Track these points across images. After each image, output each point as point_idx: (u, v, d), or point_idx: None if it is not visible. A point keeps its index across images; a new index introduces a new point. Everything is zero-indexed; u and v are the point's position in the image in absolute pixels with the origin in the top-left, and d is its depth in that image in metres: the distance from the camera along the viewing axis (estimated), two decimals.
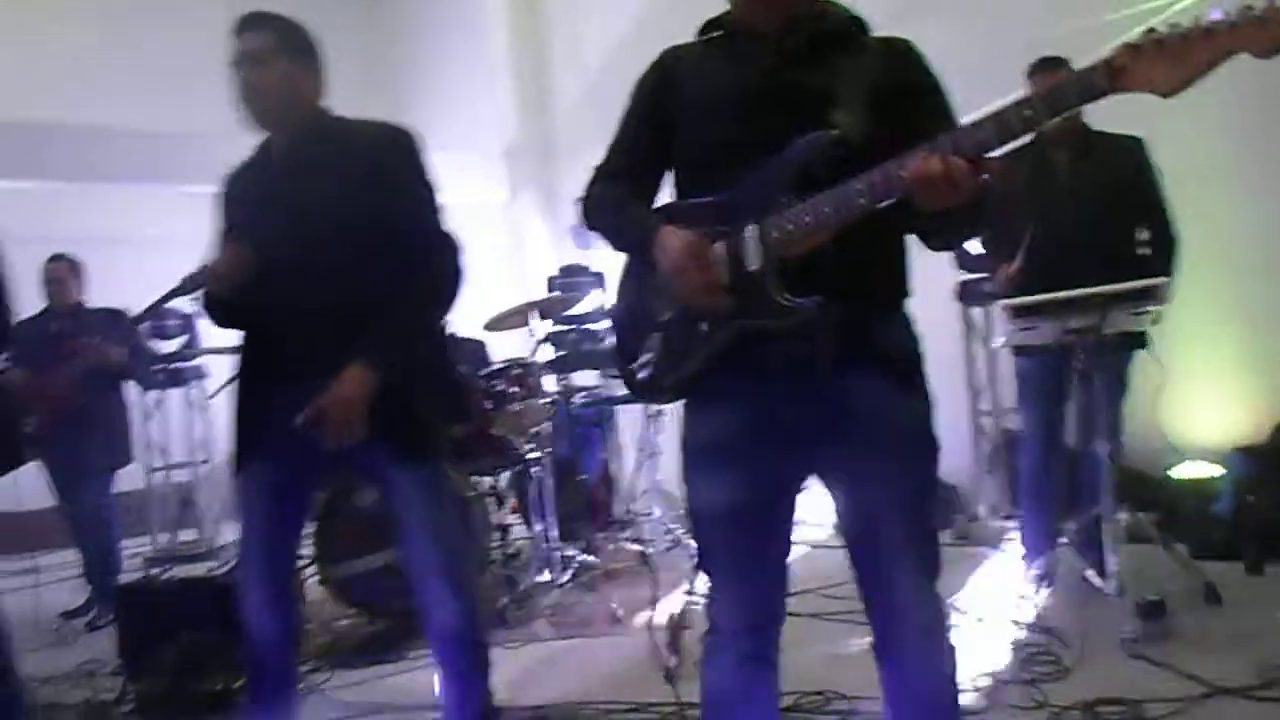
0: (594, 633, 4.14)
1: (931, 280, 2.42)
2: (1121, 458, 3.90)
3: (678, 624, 3.47)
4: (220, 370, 6.58)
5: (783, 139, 1.73)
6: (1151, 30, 1.43)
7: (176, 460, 7.59)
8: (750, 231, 1.75)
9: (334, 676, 3.75)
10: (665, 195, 1.99)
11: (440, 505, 2.63)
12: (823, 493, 1.89)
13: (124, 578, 5.35)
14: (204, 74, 8.82)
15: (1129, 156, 3.89)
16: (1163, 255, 3.84)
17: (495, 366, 4.92)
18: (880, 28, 1.91)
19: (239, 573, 2.68)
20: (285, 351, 2.48)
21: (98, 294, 5.50)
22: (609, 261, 1.98)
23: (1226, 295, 4.77)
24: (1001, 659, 3.26)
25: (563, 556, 4.88)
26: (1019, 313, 3.59)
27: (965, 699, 2.69)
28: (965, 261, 5.25)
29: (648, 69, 1.98)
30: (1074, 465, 4.05)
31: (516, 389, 4.75)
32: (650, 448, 5.71)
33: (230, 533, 7.22)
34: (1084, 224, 3.78)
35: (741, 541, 1.86)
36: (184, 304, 4.17)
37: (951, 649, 1.84)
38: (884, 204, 1.64)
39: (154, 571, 6.43)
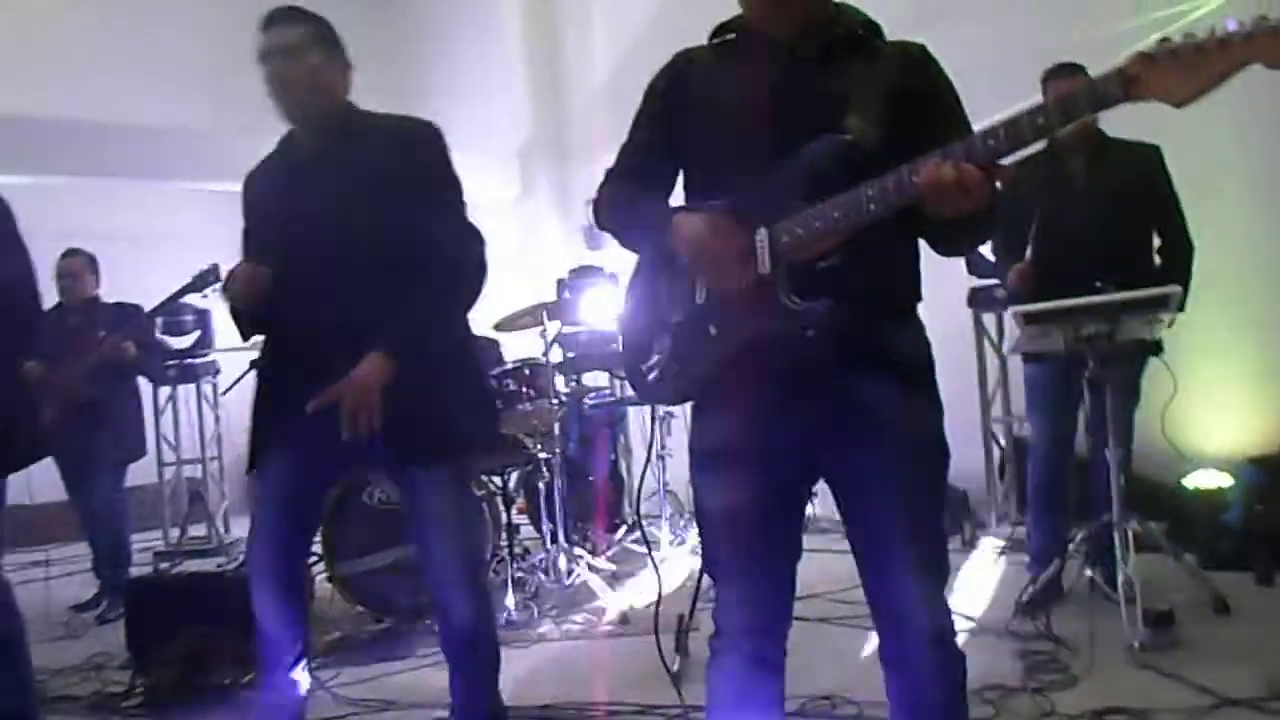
0: (600, 634, 4.15)
1: (944, 286, 2.42)
2: (1131, 466, 3.89)
3: (684, 626, 3.47)
4: (232, 366, 6.60)
5: (795, 143, 1.73)
6: (1166, 40, 1.43)
7: (188, 456, 7.61)
8: (761, 235, 1.75)
9: (341, 674, 3.76)
10: (676, 198, 2.00)
11: (460, 504, 2.65)
12: (832, 496, 1.88)
13: (134, 572, 5.38)
14: (218, 71, 8.87)
15: (1144, 164, 3.88)
16: (1176, 263, 3.83)
17: (506, 366, 4.93)
18: (896, 32, 1.91)
19: (251, 569, 2.69)
20: (309, 348, 2.47)
21: (111, 289, 5.53)
22: (621, 262, 2.01)
23: (1238, 304, 4.75)
24: (1009, 667, 3.25)
25: (570, 557, 4.88)
26: (1030, 319, 3.59)
27: (972, 707, 2.69)
28: (977, 267, 5.24)
29: (660, 71, 1.98)
30: (1084, 473, 4.04)
31: (527, 389, 4.76)
32: (660, 449, 5.72)
33: (240, 528, 7.27)
34: (1098, 230, 3.77)
35: (748, 545, 1.85)
36: (197, 299, 4.21)
37: (959, 656, 1.83)
38: (895, 210, 1.64)
39: (164, 566, 6.46)
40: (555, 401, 4.83)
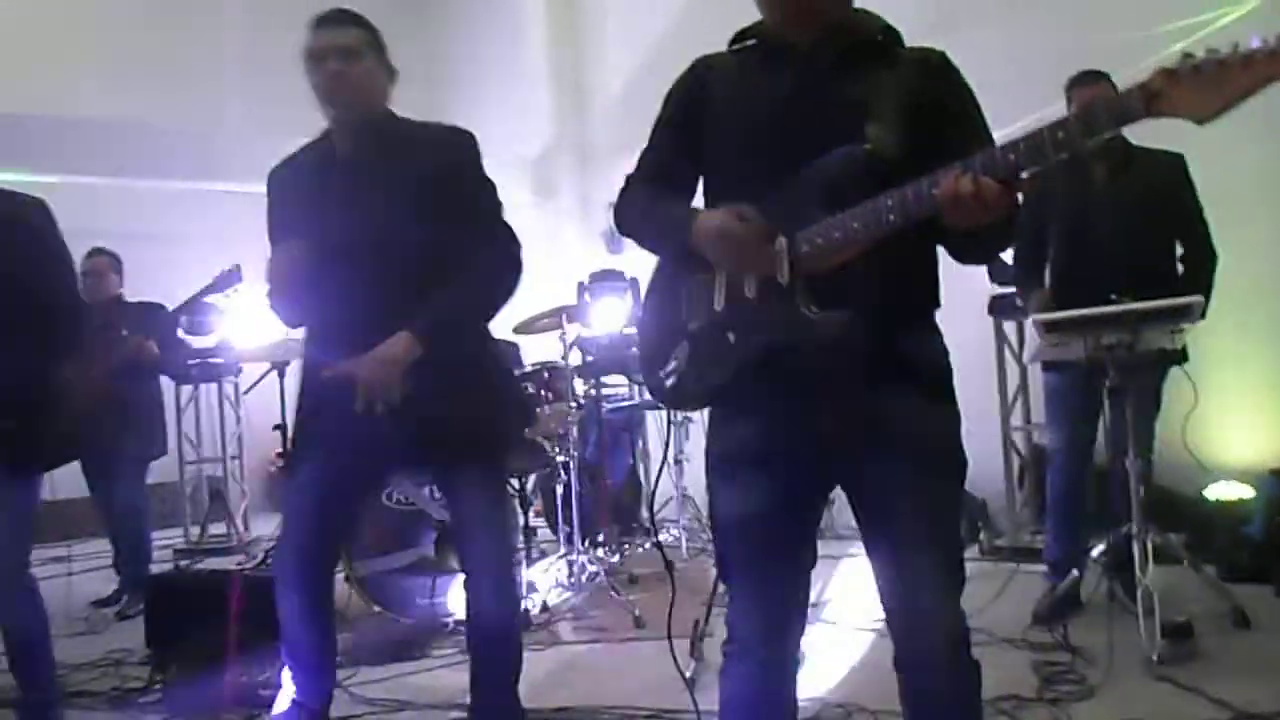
0: (616, 638, 4.15)
1: (964, 293, 2.41)
2: (1151, 477, 3.87)
3: (699, 631, 3.48)
4: (253, 366, 6.65)
5: (814, 152, 1.73)
6: (1189, 55, 1.42)
7: (209, 454, 7.66)
8: (779, 244, 1.76)
9: (357, 673, 3.78)
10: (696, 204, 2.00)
11: (500, 506, 2.67)
12: (848, 503, 1.88)
13: (154, 569, 5.42)
14: (243, 72, 8.95)
15: (1168, 172, 3.86)
16: (1198, 272, 3.81)
17: (525, 369, 4.94)
18: (915, 37, 1.91)
19: (277, 571, 2.69)
20: (349, 349, 2.47)
21: (134, 289, 5.58)
22: (641, 267, 2.01)
23: (1261, 315, 4.72)
24: (1025, 677, 3.23)
25: (587, 560, 4.89)
26: (1051, 328, 3.57)
27: (988, 717, 2.68)
28: (999, 274, 5.22)
29: (679, 78, 1.98)
30: (1103, 483, 4.02)
31: (545, 392, 4.78)
32: (677, 454, 5.72)
33: (260, 527, 7.32)
34: (1120, 238, 3.75)
35: (763, 551, 1.85)
36: (220, 299, 4.24)
37: (974, 665, 1.83)
38: (914, 221, 1.64)
39: (184, 563, 6.51)
40: (574, 405, 4.85)
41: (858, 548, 1.89)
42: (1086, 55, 3.99)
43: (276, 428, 4.90)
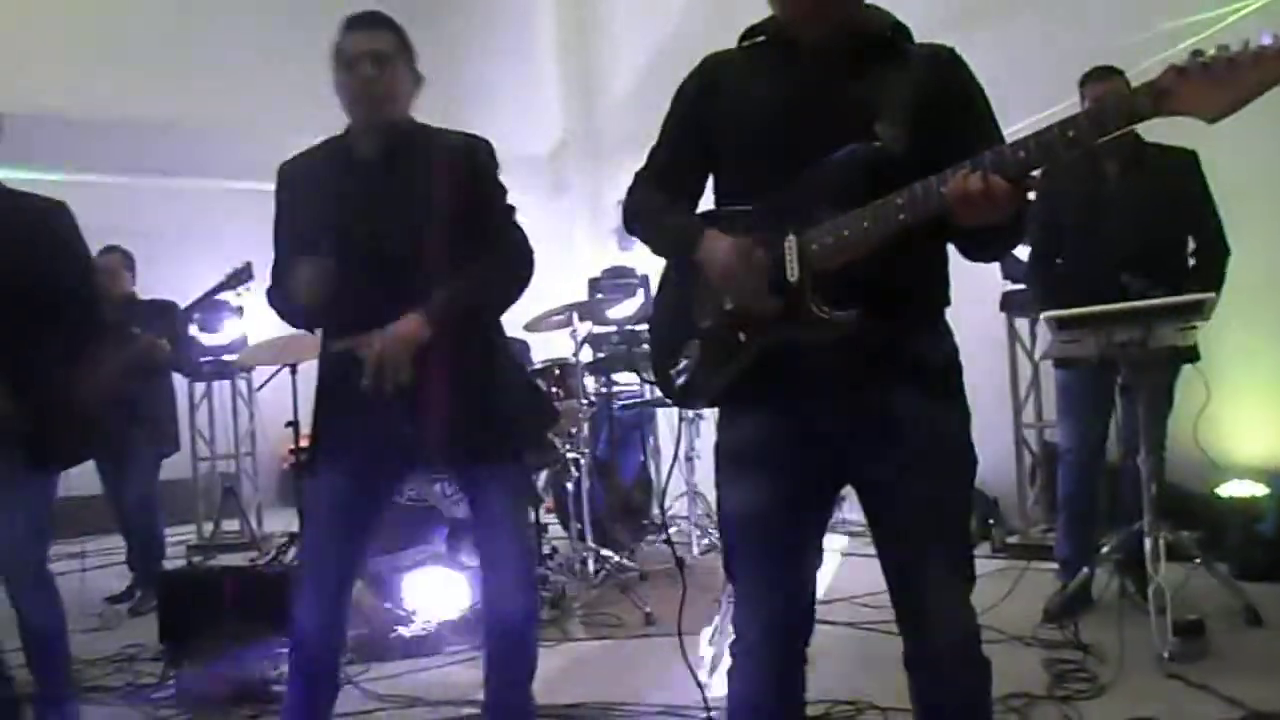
0: (626, 634, 4.16)
1: (976, 290, 2.41)
2: (1164, 474, 3.86)
3: (711, 629, 3.48)
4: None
5: (824, 149, 1.73)
6: (1199, 53, 1.42)
7: (222, 451, 7.70)
8: (789, 243, 1.76)
9: (369, 669, 3.79)
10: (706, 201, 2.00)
11: (521, 505, 2.66)
12: (858, 501, 1.89)
13: (167, 565, 5.45)
14: (255, 70, 8.96)
15: (1181, 169, 3.85)
16: (1208, 266, 3.79)
17: (536, 366, 4.95)
18: (936, 33, 1.90)
19: (300, 572, 2.68)
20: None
21: (146, 287, 5.61)
22: (652, 264, 2.01)
23: (1274, 313, 4.70)
24: (1035, 675, 3.23)
25: (598, 557, 4.90)
26: (1063, 325, 3.56)
27: (998, 714, 2.68)
28: (1011, 271, 5.21)
29: (689, 75, 1.98)
30: (1115, 480, 4.01)
31: (556, 389, 4.78)
32: (688, 451, 5.72)
33: (272, 523, 7.35)
34: (1132, 235, 3.74)
35: (769, 550, 1.85)
36: (232, 297, 4.26)
37: (985, 662, 1.83)
38: (925, 220, 1.64)
39: (196, 560, 6.54)
40: (585, 402, 4.85)
41: (868, 545, 1.89)
42: (1099, 52, 3.97)
43: (289, 424, 4.91)
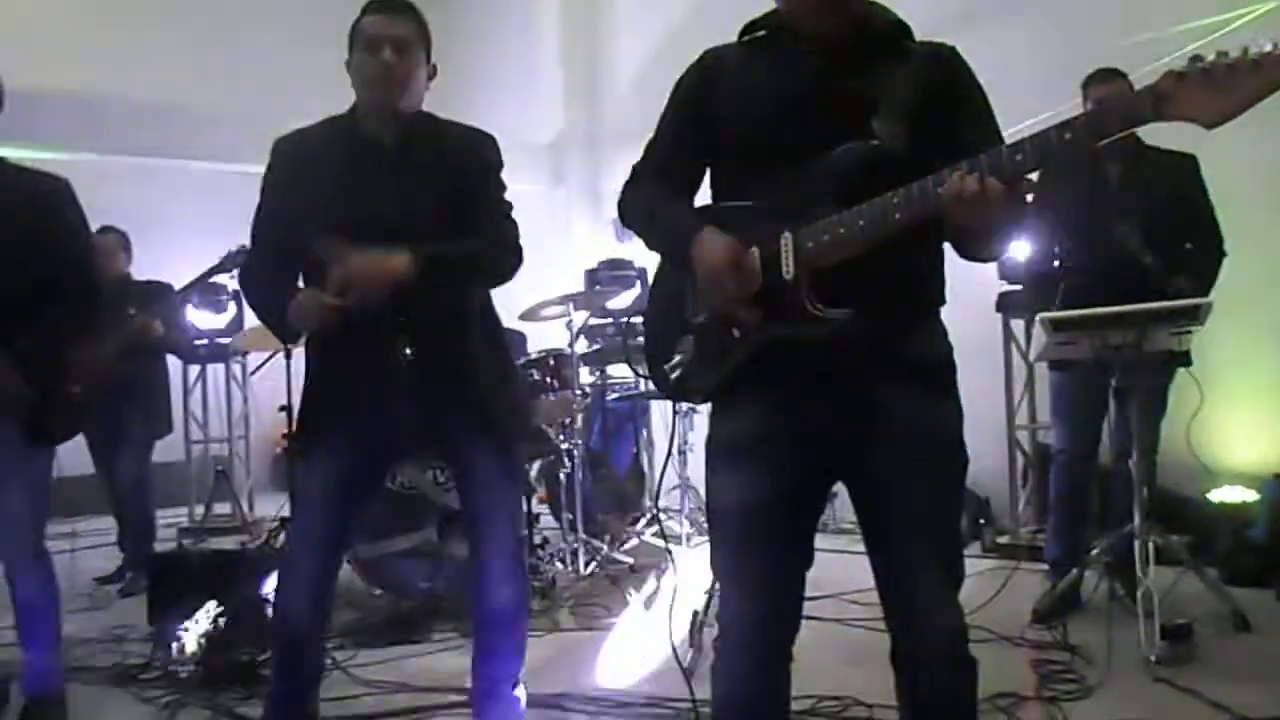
0: (615, 625, 4.17)
1: (973, 290, 2.41)
2: (1155, 478, 3.87)
3: (698, 621, 3.49)
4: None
5: (822, 145, 1.73)
6: (1198, 59, 1.41)
7: (215, 434, 7.69)
8: (785, 240, 1.75)
9: (358, 655, 3.79)
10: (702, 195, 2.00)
11: (515, 489, 2.66)
12: (848, 498, 1.88)
13: (158, 547, 5.44)
14: (252, 55, 8.93)
15: (1180, 173, 3.86)
16: (1201, 269, 3.79)
17: (530, 356, 4.95)
18: (940, 31, 1.90)
19: (286, 555, 2.69)
20: (366, 335, 2.44)
21: (140, 268, 5.60)
22: (650, 257, 2.01)
23: (1267, 319, 4.71)
24: (1023, 675, 3.23)
25: (589, 548, 4.90)
26: (1058, 326, 3.57)
27: (985, 714, 2.68)
28: (1008, 272, 5.21)
29: (687, 70, 1.97)
30: (1107, 483, 4.02)
31: (551, 379, 4.78)
32: (681, 444, 5.72)
33: (263, 507, 7.34)
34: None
35: (759, 545, 1.85)
36: (227, 280, 4.25)
37: (972, 661, 1.83)
38: (920, 219, 1.64)
39: (187, 542, 6.53)
40: (579, 393, 4.85)
41: (858, 542, 1.89)
42: (1099, 55, 3.98)
43: (282, 409, 4.91)
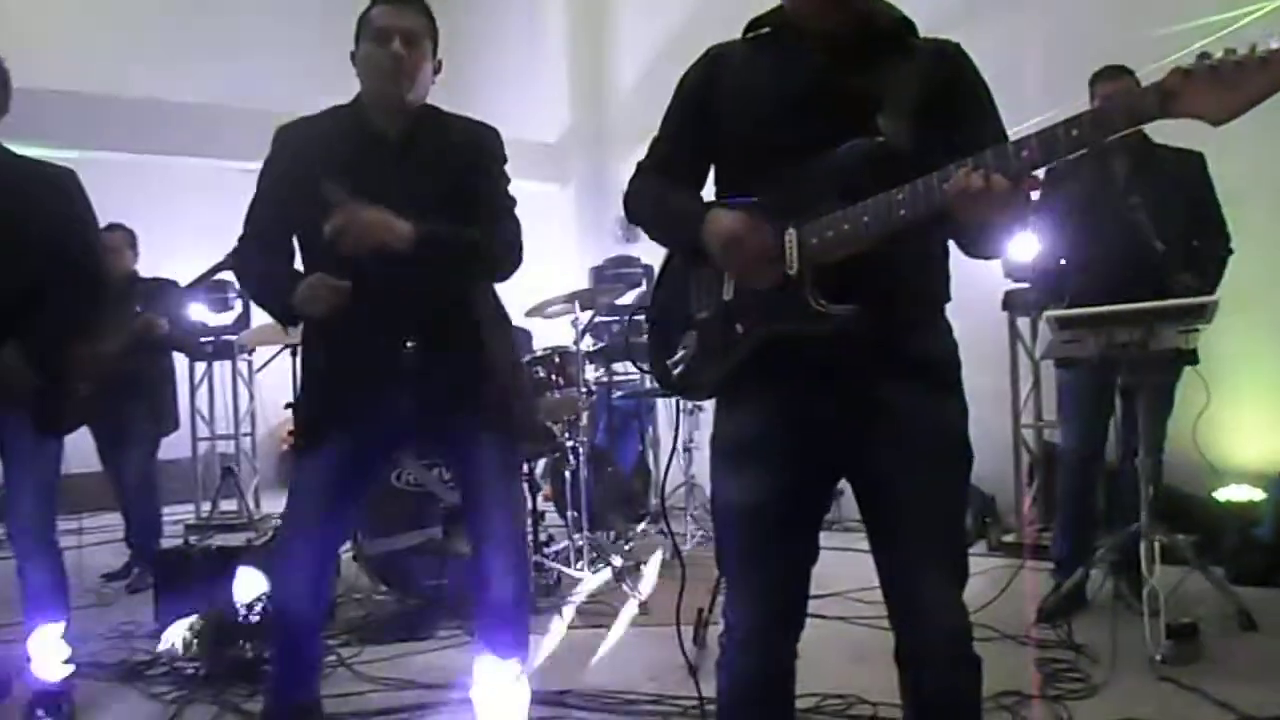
0: (620, 623, 4.17)
1: (978, 288, 2.41)
2: (1161, 477, 3.86)
3: (703, 619, 3.49)
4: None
5: (827, 142, 1.72)
6: (1205, 56, 1.41)
7: (221, 431, 7.71)
8: (789, 236, 1.75)
9: (362, 652, 3.80)
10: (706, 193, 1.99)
11: (514, 485, 2.66)
12: (853, 496, 1.88)
13: (165, 543, 5.46)
14: (257, 50, 8.92)
15: (1188, 170, 3.85)
16: (1206, 264, 3.78)
17: (536, 354, 4.95)
18: (946, 26, 1.89)
19: (282, 547, 2.70)
20: (371, 329, 2.45)
21: (146, 265, 5.62)
22: (655, 254, 2.01)
23: (1275, 317, 4.69)
24: (1027, 674, 3.23)
25: (594, 546, 4.90)
26: (1065, 324, 3.56)
27: (989, 713, 2.68)
28: (1013, 270, 5.20)
29: (691, 67, 1.97)
30: (1113, 482, 4.01)
31: (556, 377, 4.79)
32: (686, 442, 5.72)
33: (270, 504, 7.35)
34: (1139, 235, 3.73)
35: (765, 543, 1.84)
36: (233, 277, 4.25)
37: (976, 660, 1.82)
38: (925, 216, 1.64)
39: (194, 539, 6.55)
40: (584, 390, 4.85)
41: (862, 540, 1.89)
42: (1105, 52, 3.97)
43: (289, 405, 4.92)
